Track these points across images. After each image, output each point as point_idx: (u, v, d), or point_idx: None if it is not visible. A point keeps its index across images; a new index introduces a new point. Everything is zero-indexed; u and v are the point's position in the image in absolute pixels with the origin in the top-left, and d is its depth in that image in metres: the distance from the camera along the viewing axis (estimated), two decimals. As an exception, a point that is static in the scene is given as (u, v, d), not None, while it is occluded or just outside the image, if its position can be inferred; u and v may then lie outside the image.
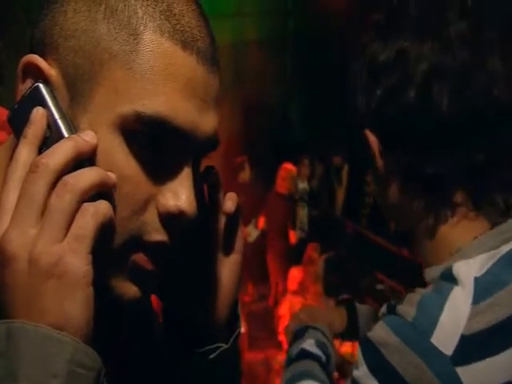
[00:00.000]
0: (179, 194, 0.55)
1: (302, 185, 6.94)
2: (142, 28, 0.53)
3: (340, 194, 7.55)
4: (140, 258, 0.55)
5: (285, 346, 4.41)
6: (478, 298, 0.72)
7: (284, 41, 8.34)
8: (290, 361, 1.13)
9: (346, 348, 2.80)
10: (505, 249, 0.77)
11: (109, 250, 0.53)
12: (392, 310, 0.78)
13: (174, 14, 0.54)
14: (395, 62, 0.79)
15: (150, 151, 0.54)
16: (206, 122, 0.56)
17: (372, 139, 0.83)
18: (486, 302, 0.72)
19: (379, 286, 5.14)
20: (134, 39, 0.53)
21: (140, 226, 0.55)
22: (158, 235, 0.55)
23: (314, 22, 7.75)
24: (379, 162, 0.83)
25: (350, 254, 6.77)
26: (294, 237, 5.93)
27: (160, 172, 0.55)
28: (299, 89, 8.44)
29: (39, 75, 0.53)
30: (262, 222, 5.98)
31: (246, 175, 6.48)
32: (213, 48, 0.58)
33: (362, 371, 0.76)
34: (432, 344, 0.71)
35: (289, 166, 5.96)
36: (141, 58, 0.53)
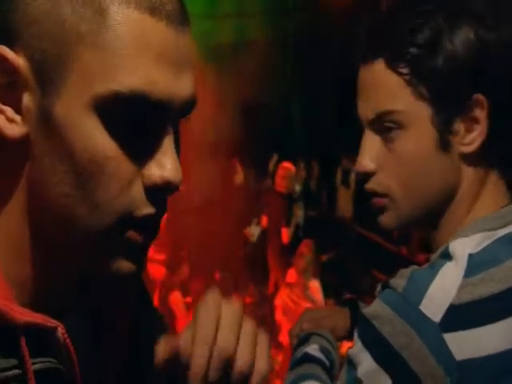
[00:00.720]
0: (164, 165, 0.54)
1: (298, 187, 6.97)
2: (107, 2, 0.51)
3: (347, 197, 7.55)
4: (132, 234, 0.55)
5: (286, 346, 4.40)
6: (470, 272, 0.73)
7: (285, 41, 8.35)
8: (294, 364, 1.13)
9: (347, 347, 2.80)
10: (502, 232, 0.77)
11: None
12: (386, 285, 0.79)
13: None
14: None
15: (129, 128, 0.53)
16: (183, 86, 0.55)
17: (484, 103, 0.77)
18: (479, 277, 0.73)
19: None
20: (100, 15, 0.51)
21: (129, 202, 0.54)
22: (146, 208, 0.55)
23: (314, 21, 7.75)
24: (482, 129, 0.78)
25: (349, 254, 6.77)
26: (286, 235, 5.94)
27: (142, 146, 0.54)
28: (300, 89, 8.44)
29: (6, 66, 0.51)
30: (265, 220, 6.00)
31: (239, 177, 6.49)
32: (180, 7, 0.55)
33: (356, 347, 0.77)
34: (420, 311, 0.72)
35: (287, 165, 6.02)
36: (110, 33, 0.51)
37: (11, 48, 0.51)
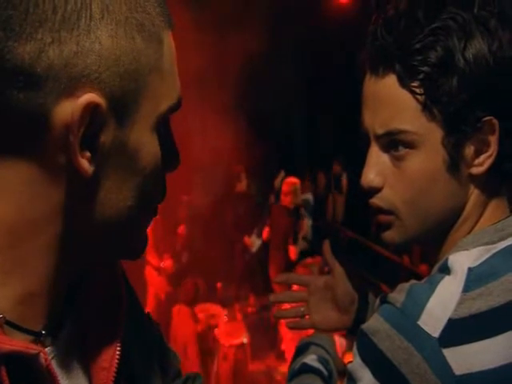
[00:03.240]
0: (177, 151, 0.63)
1: (305, 196, 6.95)
2: (160, 30, 0.55)
3: (340, 203, 7.56)
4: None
5: (288, 356, 4.39)
6: (469, 286, 0.73)
7: (287, 51, 8.38)
8: (292, 375, 1.12)
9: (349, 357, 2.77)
10: (501, 245, 0.77)
11: None
12: (385, 300, 0.78)
13: (164, 1, 0.57)
14: None
15: (167, 130, 0.60)
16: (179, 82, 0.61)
17: (496, 126, 0.76)
18: (477, 291, 0.72)
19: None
20: (160, 43, 0.55)
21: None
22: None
23: (315, 32, 7.79)
24: (492, 151, 0.77)
25: (350, 264, 6.74)
26: (293, 252, 5.91)
27: (169, 140, 0.61)
28: (301, 99, 8.46)
29: (98, 111, 0.51)
30: (266, 233, 5.97)
31: (242, 185, 6.48)
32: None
33: (355, 363, 0.77)
34: (419, 326, 0.72)
35: (292, 180, 5.94)
36: (165, 58, 0.56)
37: (88, 92, 0.50)
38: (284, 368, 4.63)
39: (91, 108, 0.50)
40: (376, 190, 0.83)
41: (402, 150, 0.79)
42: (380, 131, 0.80)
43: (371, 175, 0.82)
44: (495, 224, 0.80)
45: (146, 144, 0.55)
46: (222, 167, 5.90)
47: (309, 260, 4.85)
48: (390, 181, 0.81)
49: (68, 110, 0.49)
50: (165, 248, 5.21)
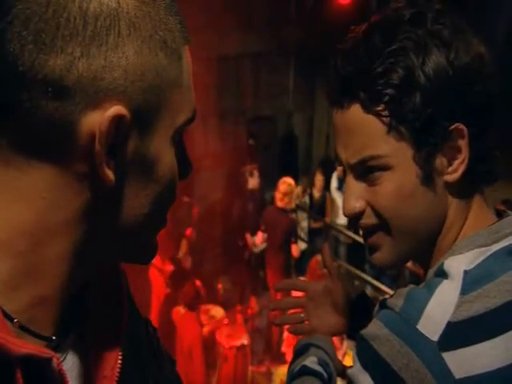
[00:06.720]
0: (189, 161, 0.65)
1: (303, 199, 6.96)
2: (179, 46, 0.57)
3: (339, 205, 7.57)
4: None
5: (287, 358, 4.39)
6: (466, 289, 0.73)
7: (288, 52, 8.39)
8: (292, 377, 1.12)
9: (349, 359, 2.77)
10: (495, 247, 0.78)
11: None
12: (384, 305, 0.79)
13: (182, 17, 0.58)
14: (478, 59, 0.79)
15: (181, 140, 0.62)
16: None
17: (464, 131, 0.77)
18: (474, 293, 0.73)
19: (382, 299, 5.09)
20: (179, 59, 0.57)
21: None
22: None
23: (317, 34, 7.80)
24: (464, 156, 0.78)
25: (350, 265, 6.76)
26: (296, 250, 5.91)
27: (182, 151, 0.63)
28: (303, 100, 8.47)
29: (123, 123, 0.52)
30: (260, 236, 5.94)
31: (255, 182, 6.47)
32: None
33: (355, 368, 0.77)
34: (418, 330, 0.72)
35: (288, 180, 5.86)
36: (184, 73, 0.58)
37: (114, 105, 0.52)
38: (284, 370, 4.63)
39: (117, 120, 0.51)
40: (361, 214, 0.84)
41: (377, 173, 0.80)
42: (353, 161, 0.82)
43: (352, 203, 0.84)
44: (490, 226, 0.81)
45: (164, 154, 0.57)
46: (223, 168, 5.91)
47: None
48: (370, 200, 0.83)
49: (95, 120, 0.51)
50: (166, 249, 5.21)
